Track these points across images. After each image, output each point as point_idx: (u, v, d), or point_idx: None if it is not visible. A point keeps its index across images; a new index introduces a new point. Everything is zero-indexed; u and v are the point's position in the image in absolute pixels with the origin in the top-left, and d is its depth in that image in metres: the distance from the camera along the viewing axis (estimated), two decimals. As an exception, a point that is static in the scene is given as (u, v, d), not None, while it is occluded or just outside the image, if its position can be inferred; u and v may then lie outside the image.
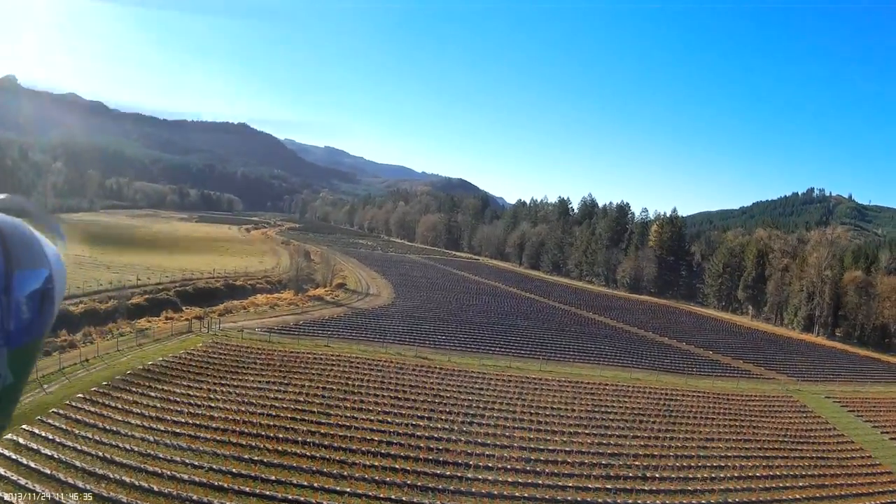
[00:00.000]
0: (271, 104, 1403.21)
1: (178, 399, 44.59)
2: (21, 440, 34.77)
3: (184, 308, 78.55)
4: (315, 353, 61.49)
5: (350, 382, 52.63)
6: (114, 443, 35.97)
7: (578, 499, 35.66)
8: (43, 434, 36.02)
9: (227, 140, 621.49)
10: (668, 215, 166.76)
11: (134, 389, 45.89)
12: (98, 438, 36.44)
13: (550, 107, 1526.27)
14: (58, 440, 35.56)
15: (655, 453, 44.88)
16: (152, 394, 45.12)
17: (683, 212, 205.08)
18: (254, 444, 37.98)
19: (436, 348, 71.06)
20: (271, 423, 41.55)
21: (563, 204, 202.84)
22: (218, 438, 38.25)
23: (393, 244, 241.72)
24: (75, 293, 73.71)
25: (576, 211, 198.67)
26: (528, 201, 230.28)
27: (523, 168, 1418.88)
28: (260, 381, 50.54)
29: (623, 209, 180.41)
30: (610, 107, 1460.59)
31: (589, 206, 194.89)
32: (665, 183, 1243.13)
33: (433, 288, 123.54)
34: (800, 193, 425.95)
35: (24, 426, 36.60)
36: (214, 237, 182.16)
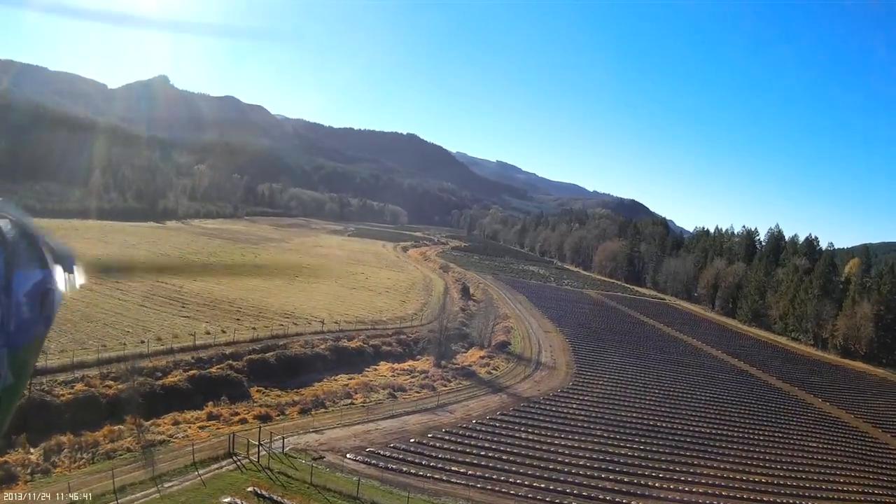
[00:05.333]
0: (442, 116, 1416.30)
1: None
2: None
3: (252, 390, 52.22)
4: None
5: None
6: None
7: None
8: None
9: (394, 150, 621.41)
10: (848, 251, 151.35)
11: None
12: None
13: (728, 131, 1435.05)
14: None
15: None
16: None
17: (838, 244, 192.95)
18: None
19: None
20: None
21: (750, 236, 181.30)
22: None
23: (567, 273, 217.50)
24: (86, 360, 49.57)
25: (763, 244, 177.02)
26: (711, 230, 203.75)
27: (692, 189, 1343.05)
28: None
29: (812, 244, 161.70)
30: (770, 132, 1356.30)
31: (776, 239, 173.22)
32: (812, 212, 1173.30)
33: (623, 350, 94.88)
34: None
35: None
36: (360, 258, 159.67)
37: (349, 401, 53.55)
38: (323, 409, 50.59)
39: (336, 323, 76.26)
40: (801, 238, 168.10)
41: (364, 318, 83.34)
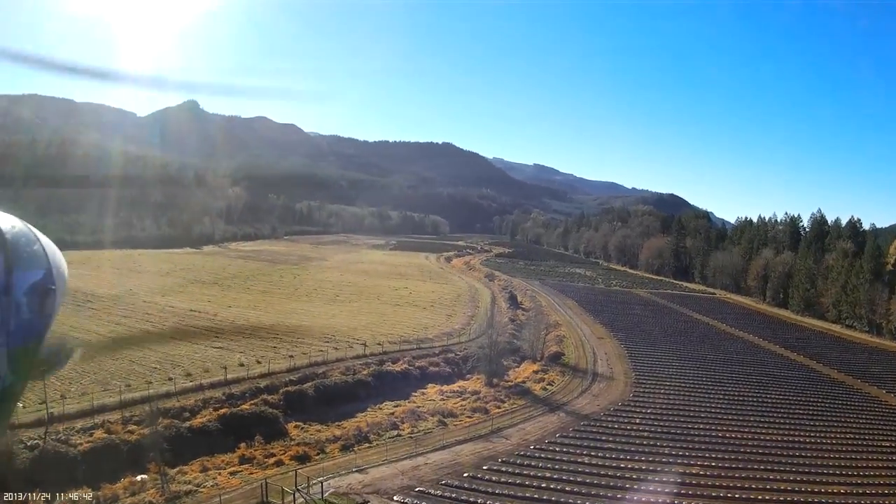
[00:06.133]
0: (476, 123, 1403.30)
1: None
2: None
3: (289, 426, 47.86)
4: None
5: None
6: None
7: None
8: None
9: (431, 160, 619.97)
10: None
11: None
12: None
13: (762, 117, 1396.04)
14: None
15: None
16: None
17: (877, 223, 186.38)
18: None
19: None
20: None
21: (794, 223, 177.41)
22: None
23: (614, 273, 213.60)
24: (108, 403, 45.96)
25: (807, 230, 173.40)
26: (753, 219, 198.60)
27: (728, 179, 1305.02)
28: None
29: (855, 227, 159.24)
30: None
31: (819, 224, 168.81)
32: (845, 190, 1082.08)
33: (680, 353, 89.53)
34: None
35: None
36: (403, 272, 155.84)
37: (395, 432, 48.84)
38: (367, 444, 45.99)
39: (379, 344, 71.88)
40: (844, 221, 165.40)
41: (409, 336, 78.85)
